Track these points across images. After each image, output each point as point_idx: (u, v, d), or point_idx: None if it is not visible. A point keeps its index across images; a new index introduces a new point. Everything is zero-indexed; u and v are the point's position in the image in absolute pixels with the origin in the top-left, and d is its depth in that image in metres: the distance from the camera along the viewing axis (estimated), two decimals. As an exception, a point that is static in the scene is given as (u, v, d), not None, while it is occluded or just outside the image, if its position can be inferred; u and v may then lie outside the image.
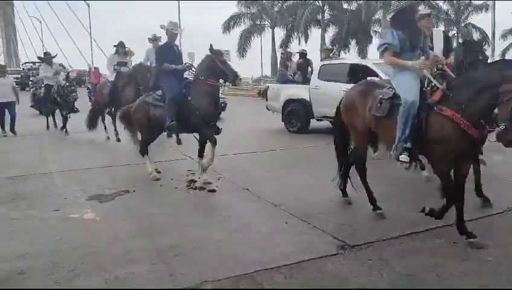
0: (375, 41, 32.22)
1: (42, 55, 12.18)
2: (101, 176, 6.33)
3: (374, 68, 8.60)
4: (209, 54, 5.74)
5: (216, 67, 5.62)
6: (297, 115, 10.38)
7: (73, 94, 10.55)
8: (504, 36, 37.03)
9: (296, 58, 12.65)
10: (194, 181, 5.77)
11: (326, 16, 33.05)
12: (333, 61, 10.44)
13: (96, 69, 21.94)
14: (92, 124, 9.85)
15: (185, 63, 6.20)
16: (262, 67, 40.29)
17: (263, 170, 6.55)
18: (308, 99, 9.89)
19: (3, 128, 10.70)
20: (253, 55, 41.01)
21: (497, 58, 32.02)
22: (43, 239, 3.94)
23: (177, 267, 3.31)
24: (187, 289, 2.99)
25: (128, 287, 3.03)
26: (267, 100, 11.46)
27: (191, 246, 3.71)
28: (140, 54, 10.52)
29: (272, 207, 4.63)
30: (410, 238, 3.78)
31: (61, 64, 12.85)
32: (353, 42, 33.55)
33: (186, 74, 6.39)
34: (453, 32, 36.10)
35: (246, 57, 35.57)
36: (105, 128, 9.92)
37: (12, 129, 10.60)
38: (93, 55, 42.63)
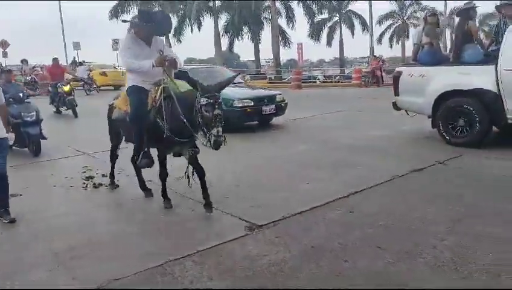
0: (267, 28, 33.16)
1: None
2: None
3: None
4: None
5: None
6: (468, 118, 6.29)
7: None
8: (380, 22, 40.75)
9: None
10: (91, 177, 5.44)
11: (218, 2, 33.02)
12: None
13: (55, 60, 13.59)
14: None
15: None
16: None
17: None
18: (495, 89, 5.99)
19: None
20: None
21: (374, 42, 34.96)
22: None
23: (80, 269, 3.10)
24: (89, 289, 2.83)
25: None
26: (397, 94, 7.22)
27: (95, 244, 3.51)
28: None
29: (177, 196, 4.55)
30: (312, 213, 4.02)
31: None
32: (246, 29, 34.07)
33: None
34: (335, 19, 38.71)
35: (137, 46, 34.06)
36: None
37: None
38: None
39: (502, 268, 2.81)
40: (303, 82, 22.87)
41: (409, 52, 45.17)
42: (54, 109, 12.62)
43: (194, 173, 4.14)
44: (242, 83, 10.81)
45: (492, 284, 2.66)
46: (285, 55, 48.43)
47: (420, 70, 6.89)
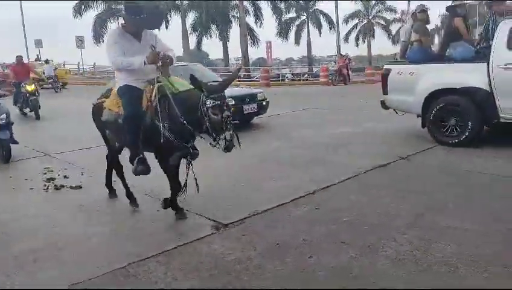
0: (235, 26, 33.15)
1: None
2: None
3: None
4: None
5: None
6: (459, 117, 6.15)
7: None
8: (346, 21, 41.49)
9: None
10: (52, 179, 5.28)
11: (185, 1, 32.70)
12: None
13: (18, 58, 12.74)
14: None
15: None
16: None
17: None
18: (487, 88, 5.86)
19: None
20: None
21: (341, 41, 35.60)
22: None
23: (40, 273, 3.01)
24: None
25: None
26: (385, 92, 7.00)
27: (58, 247, 3.42)
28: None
29: (142, 196, 4.48)
30: (279, 210, 4.05)
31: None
32: (214, 27, 33.94)
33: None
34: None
35: (103, 43, 33.38)
36: None
37: None
38: None
39: (460, 260, 2.91)
40: (271, 80, 22.98)
41: (375, 51, 46.31)
42: (18, 110, 11.96)
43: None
44: (221, 81, 10.20)
45: (486, 284, 2.75)
46: (255, 53, 48.64)
47: (409, 68, 6.69)
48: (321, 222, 3.71)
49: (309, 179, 4.97)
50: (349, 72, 22.14)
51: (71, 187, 4.99)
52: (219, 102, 3.29)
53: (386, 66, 7.28)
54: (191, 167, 3.85)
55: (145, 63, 3.64)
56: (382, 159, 5.56)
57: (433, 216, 3.72)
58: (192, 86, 3.47)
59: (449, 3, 7.20)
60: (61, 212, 4.28)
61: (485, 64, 5.85)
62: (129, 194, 4.36)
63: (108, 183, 4.64)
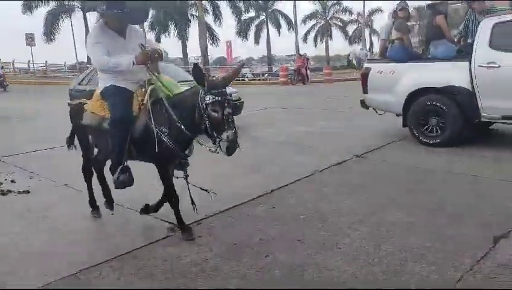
0: (194, 25, 32.89)
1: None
2: None
3: None
4: None
5: None
6: (441, 116, 6.09)
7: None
8: (304, 21, 42.17)
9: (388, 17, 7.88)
10: (-1, 184, 5.02)
11: (142, -2, 32.07)
12: None
13: None
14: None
15: None
16: (76, 52, 37.33)
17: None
18: (469, 87, 5.80)
19: None
20: (65, 39, 37.54)
21: (300, 41, 36.06)
22: None
23: (-17, 284, 2.85)
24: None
25: None
26: (365, 91, 6.91)
27: (1, 255, 3.24)
28: None
29: (96, 199, 4.33)
30: (235, 210, 4.04)
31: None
32: (172, 25, 33.52)
33: None
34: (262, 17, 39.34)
35: (55, 41, 32.19)
36: None
37: None
38: None
39: (408, 253, 3.01)
40: (231, 80, 22.90)
41: (332, 52, 47.29)
42: None
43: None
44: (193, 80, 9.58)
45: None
46: (216, 52, 48.49)
47: (390, 67, 6.55)
48: (278, 221, 3.73)
49: (267, 178, 5.00)
50: (308, 71, 22.49)
51: (18, 192, 4.76)
52: (219, 98, 3.00)
53: (366, 65, 7.16)
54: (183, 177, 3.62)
55: (134, 64, 3.33)
56: (338, 158, 5.68)
57: (383, 212, 3.82)
58: (183, 86, 3.36)
59: (412, 3, 7.34)
60: (7, 218, 4.08)
61: (467, 63, 5.79)
62: (92, 203, 4.06)
63: (107, 194, 4.06)
